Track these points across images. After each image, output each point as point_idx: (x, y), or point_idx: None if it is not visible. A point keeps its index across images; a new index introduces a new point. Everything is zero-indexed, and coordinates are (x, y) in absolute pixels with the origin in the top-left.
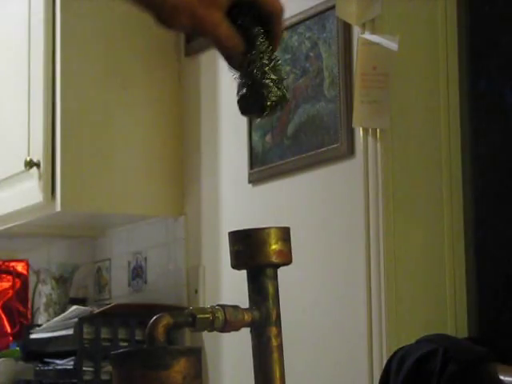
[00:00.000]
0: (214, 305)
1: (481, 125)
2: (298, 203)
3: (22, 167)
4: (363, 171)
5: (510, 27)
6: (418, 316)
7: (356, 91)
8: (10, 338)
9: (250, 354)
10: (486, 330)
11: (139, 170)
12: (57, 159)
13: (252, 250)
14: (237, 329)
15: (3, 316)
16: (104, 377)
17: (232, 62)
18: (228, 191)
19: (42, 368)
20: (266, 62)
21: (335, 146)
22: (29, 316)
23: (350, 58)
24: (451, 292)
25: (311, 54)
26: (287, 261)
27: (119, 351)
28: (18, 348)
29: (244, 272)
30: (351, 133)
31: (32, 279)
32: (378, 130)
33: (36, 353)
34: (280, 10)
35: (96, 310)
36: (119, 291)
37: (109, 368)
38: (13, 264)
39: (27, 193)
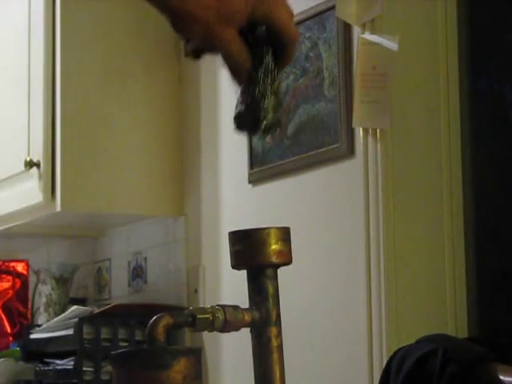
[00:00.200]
0: (214, 305)
1: (481, 125)
2: (298, 203)
3: (22, 167)
4: (363, 171)
5: (510, 27)
6: (418, 316)
7: (356, 91)
8: (10, 338)
9: (250, 354)
10: (486, 330)
11: (139, 170)
12: (57, 159)
13: (252, 250)
14: (237, 329)
15: (3, 316)
16: (104, 377)
17: (236, 78)
18: (228, 191)
19: (42, 368)
20: (269, 85)
21: (335, 146)
22: (29, 316)
23: (350, 58)
24: (451, 292)
25: (311, 54)
26: (287, 261)
27: (119, 351)
28: (18, 348)
29: (244, 272)
30: (351, 133)
31: (32, 279)
32: (377, 130)
33: (36, 353)
34: (295, 37)
35: (96, 310)
36: (119, 291)
37: (109, 368)
38: (13, 264)
39: (27, 193)
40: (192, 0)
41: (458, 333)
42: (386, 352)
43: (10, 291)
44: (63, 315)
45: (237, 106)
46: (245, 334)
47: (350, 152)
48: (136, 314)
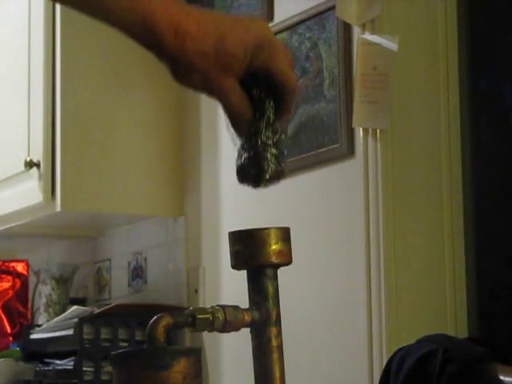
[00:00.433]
0: (214, 305)
1: (481, 125)
2: (297, 203)
3: (22, 167)
4: (363, 171)
5: (510, 27)
6: (417, 316)
7: (356, 91)
8: (10, 339)
9: (250, 354)
10: (486, 330)
11: (139, 170)
12: (57, 159)
13: (252, 250)
14: (237, 329)
15: (3, 316)
16: (104, 377)
17: (237, 128)
18: (228, 191)
19: (42, 368)
20: (270, 135)
21: (335, 146)
22: (29, 316)
23: (350, 58)
24: (451, 292)
25: (311, 54)
26: (287, 261)
27: (119, 351)
28: (18, 348)
29: (244, 272)
30: (351, 133)
31: (32, 279)
32: (377, 130)
33: (36, 353)
34: (294, 89)
35: (96, 310)
36: (119, 291)
37: (109, 368)
38: (13, 264)
39: (27, 193)
40: (191, 48)
41: (457, 333)
42: (386, 352)
43: (10, 291)
44: (63, 315)
45: (238, 158)
46: (245, 334)
47: (350, 152)
48: (136, 314)
